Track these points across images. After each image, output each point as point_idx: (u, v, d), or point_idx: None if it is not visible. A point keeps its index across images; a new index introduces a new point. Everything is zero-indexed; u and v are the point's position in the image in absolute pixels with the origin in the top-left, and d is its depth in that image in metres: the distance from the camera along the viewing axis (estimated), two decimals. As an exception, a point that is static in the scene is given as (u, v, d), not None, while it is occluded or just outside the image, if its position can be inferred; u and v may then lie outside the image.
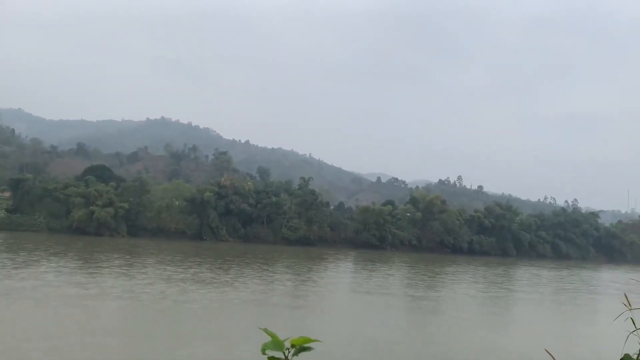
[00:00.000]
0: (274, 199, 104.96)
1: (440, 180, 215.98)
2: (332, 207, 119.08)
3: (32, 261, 44.47)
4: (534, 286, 54.17)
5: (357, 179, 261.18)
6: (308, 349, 1.43)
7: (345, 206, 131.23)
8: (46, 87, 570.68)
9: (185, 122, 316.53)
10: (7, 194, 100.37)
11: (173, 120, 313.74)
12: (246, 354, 17.59)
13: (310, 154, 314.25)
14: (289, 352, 1.42)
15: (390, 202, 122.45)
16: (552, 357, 8.15)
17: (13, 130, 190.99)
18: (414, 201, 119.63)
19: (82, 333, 20.57)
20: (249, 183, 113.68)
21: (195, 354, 17.76)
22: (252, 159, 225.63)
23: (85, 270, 41.48)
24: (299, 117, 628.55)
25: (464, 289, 46.58)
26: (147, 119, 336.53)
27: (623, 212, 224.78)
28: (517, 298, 42.80)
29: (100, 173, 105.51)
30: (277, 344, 1.41)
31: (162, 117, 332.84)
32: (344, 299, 36.09)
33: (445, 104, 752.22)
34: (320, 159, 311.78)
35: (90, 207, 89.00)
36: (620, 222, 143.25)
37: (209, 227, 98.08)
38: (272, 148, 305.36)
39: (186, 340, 18.50)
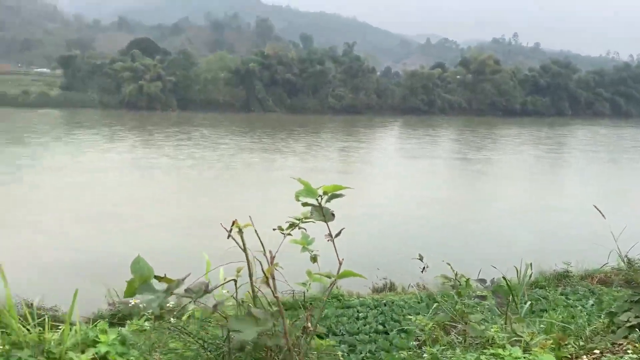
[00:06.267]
0: (318, 67, 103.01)
1: (494, 38, 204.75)
2: (378, 73, 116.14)
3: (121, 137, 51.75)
4: (602, 145, 53.74)
5: (404, 42, 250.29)
6: (339, 195, 1.48)
7: (392, 71, 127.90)
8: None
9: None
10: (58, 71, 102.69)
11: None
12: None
13: (354, 16, 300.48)
14: (321, 198, 1.50)
15: (439, 65, 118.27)
16: (601, 212, 7.65)
17: (55, 6, 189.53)
18: (464, 62, 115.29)
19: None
20: (292, 52, 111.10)
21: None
22: (295, 25, 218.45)
23: (173, 143, 45.24)
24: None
25: (538, 152, 46.85)
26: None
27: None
28: (583, 157, 42.80)
29: (145, 46, 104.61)
30: (310, 191, 1.46)
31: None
32: (423, 164, 37.57)
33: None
34: (365, 22, 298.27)
35: (139, 82, 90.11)
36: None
37: (255, 98, 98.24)
38: (314, 12, 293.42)
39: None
